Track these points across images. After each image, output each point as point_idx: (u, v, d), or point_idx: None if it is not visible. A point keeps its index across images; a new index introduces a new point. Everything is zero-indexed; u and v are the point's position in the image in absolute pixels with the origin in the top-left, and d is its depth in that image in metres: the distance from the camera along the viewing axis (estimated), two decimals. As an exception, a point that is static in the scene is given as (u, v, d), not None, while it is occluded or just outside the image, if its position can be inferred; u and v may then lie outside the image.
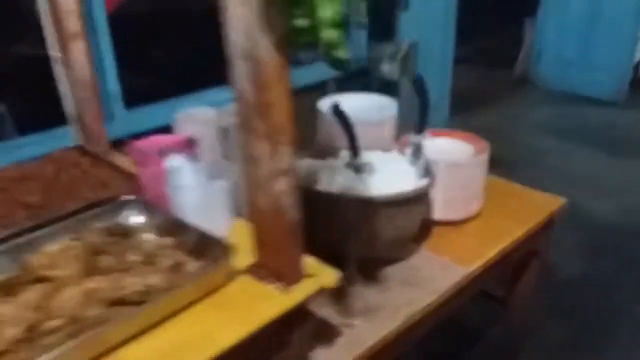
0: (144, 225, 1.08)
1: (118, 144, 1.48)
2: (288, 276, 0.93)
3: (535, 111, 4.11)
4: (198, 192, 1.03)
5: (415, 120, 1.37)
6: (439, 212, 1.48)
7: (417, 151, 1.34)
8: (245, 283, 0.95)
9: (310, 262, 0.99)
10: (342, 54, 0.73)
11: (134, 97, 2.20)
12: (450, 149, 1.56)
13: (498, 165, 3.20)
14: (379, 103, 1.72)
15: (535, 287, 1.77)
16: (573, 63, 4.28)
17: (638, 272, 2.36)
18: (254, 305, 0.91)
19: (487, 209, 1.56)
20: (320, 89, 2.94)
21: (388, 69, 2.87)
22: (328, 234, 1.28)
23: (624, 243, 2.57)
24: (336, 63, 0.76)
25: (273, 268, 0.93)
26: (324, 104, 1.71)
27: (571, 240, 2.55)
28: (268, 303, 0.90)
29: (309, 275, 0.95)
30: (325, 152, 1.47)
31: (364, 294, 1.25)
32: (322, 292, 0.95)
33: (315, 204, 1.25)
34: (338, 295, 1.23)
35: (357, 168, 1.30)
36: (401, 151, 1.43)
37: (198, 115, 1.32)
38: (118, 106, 2.14)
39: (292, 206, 0.88)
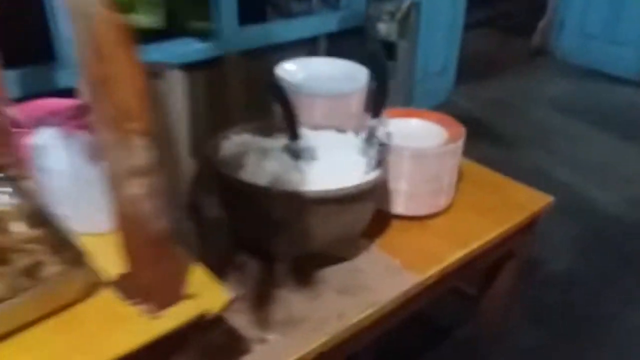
0: (14, 210, 0.89)
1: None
2: (160, 296, 0.74)
3: (549, 86, 3.81)
4: (70, 177, 0.83)
5: (374, 100, 1.15)
6: (400, 206, 1.27)
7: (371, 137, 1.12)
8: (108, 301, 0.76)
9: (199, 277, 0.80)
10: (142, 19, 0.52)
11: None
12: (420, 134, 1.33)
13: (500, 142, 2.98)
14: (350, 71, 1.49)
15: (511, 288, 1.58)
16: (596, 36, 3.95)
17: (635, 272, 2.14)
18: (111, 331, 0.72)
19: (459, 203, 1.35)
20: (311, 45, 2.70)
21: (385, 29, 2.61)
22: (253, 228, 1.09)
23: (626, 238, 2.33)
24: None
25: (142, 285, 0.74)
26: (284, 69, 1.49)
27: (567, 233, 2.33)
28: (127, 331, 0.71)
29: (190, 296, 0.76)
30: (274, 127, 1.25)
31: (289, 302, 1.06)
32: (204, 317, 0.76)
33: (236, 193, 1.06)
34: (258, 301, 1.04)
35: (295, 153, 1.09)
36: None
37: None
38: (71, 51, 1.92)
39: (156, 215, 0.68)
